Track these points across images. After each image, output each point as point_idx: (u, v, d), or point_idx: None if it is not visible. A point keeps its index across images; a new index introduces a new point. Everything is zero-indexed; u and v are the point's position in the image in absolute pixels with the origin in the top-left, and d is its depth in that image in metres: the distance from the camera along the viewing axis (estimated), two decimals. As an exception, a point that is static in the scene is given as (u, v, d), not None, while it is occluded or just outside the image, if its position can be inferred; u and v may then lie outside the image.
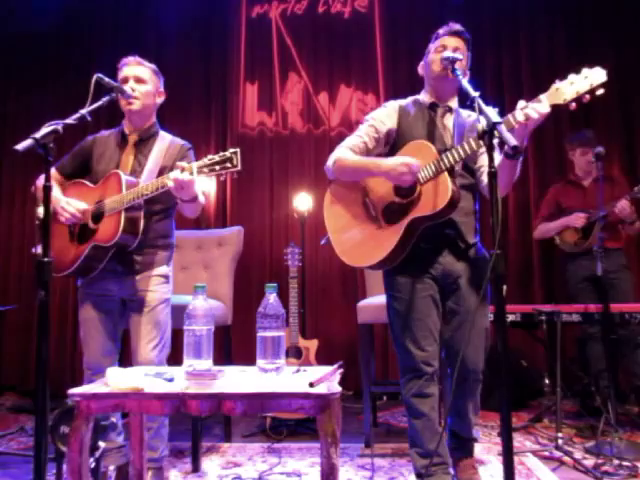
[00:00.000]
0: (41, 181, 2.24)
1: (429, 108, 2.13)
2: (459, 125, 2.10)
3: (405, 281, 2.04)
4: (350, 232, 2.08)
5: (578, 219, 3.40)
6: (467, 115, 2.14)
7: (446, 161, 1.88)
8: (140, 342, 2.18)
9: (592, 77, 1.62)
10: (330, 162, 2.11)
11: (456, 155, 1.87)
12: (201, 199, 2.13)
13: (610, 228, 3.35)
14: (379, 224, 2.02)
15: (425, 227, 1.95)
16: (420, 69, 2.20)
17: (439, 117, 2.11)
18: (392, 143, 2.12)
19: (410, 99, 2.20)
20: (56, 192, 2.25)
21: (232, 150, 1.86)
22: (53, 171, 2.32)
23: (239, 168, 1.85)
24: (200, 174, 1.90)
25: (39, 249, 2.23)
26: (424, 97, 2.17)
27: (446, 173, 1.90)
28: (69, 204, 2.19)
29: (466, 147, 1.85)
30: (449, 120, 2.12)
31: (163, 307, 2.24)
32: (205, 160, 1.90)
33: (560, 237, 3.54)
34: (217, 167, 1.87)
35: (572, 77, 1.65)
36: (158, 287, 2.24)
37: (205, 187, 2.25)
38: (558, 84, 1.67)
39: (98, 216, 2.17)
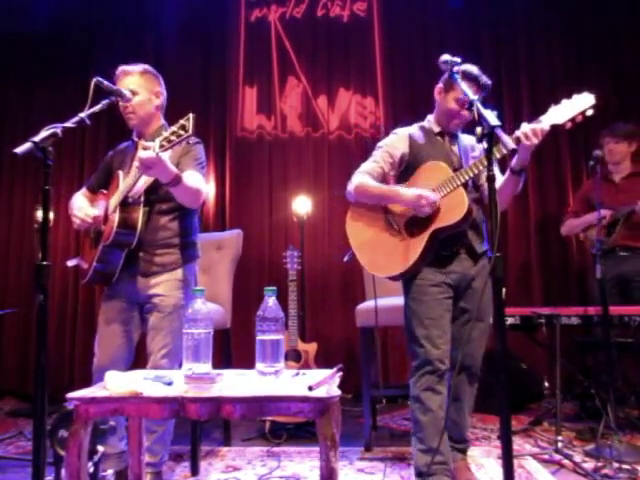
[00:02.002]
0: (72, 200, 2.37)
1: (436, 135, 2.31)
2: (464, 149, 2.30)
3: (424, 284, 2.19)
4: (375, 246, 2.25)
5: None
6: (468, 139, 2.33)
7: (461, 178, 2.11)
8: (152, 349, 2.18)
9: (582, 101, 1.94)
10: (352, 187, 2.29)
11: (470, 172, 2.10)
12: (192, 184, 2.11)
13: (636, 227, 3.23)
14: (402, 237, 2.21)
15: (443, 236, 2.15)
16: (437, 95, 2.30)
17: (446, 143, 2.31)
18: (405, 165, 2.30)
19: (416, 126, 2.37)
20: (76, 203, 2.32)
21: (187, 117, 1.88)
22: (84, 191, 2.44)
23: (190, 133, 1.87)
24: (161, 148, 1.91)
25: (72, 262, 2.36)
26: (432, 125, 2.33)
27: (461, 188, 2.12)
28: (80, 210, 2.24)
29: (479, 165, 2.07)
30: (454, 145, 2.32)
31: (180, 314, 2.18)
32: (164, 134, 1.93)
33: (586, 235, 3.44)
34: (174, 137, 1.90)
35: (565, 102, 1.96)
36: (174, 292, 2.22)
37: (204, 186, 2.26)
38: (554, 108, 1.97)
39: (106, 218, 2.21)
